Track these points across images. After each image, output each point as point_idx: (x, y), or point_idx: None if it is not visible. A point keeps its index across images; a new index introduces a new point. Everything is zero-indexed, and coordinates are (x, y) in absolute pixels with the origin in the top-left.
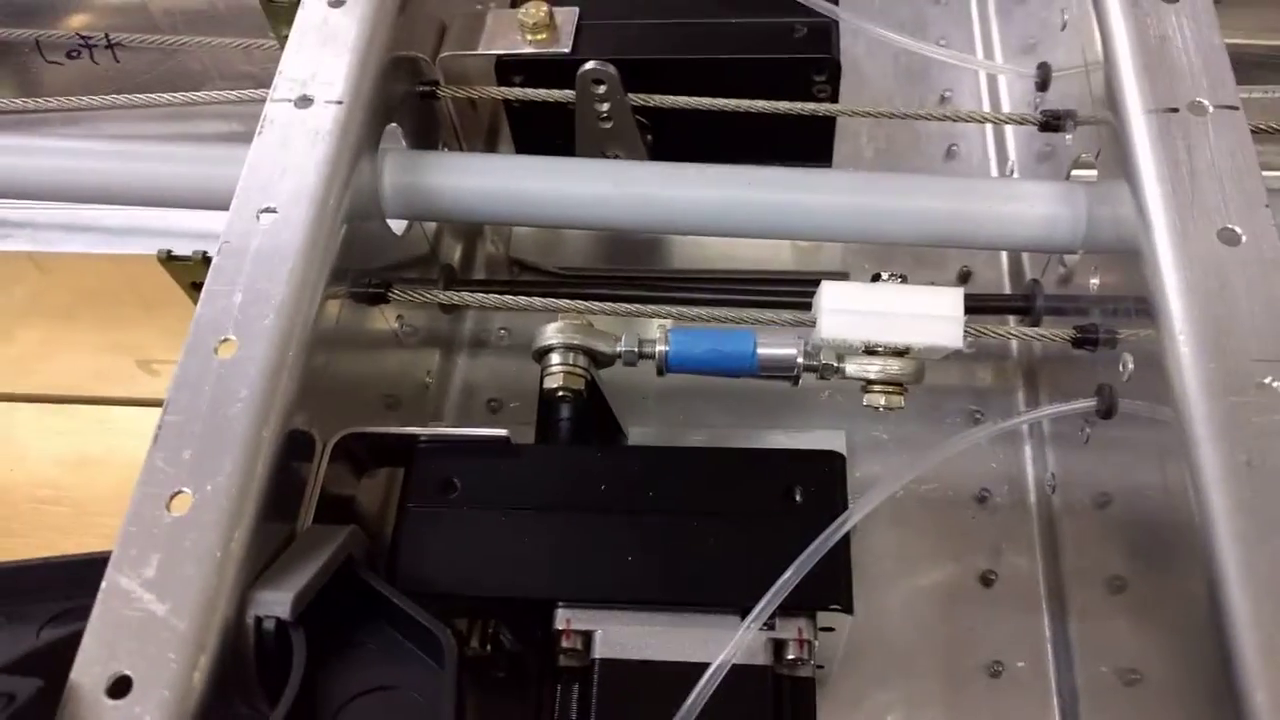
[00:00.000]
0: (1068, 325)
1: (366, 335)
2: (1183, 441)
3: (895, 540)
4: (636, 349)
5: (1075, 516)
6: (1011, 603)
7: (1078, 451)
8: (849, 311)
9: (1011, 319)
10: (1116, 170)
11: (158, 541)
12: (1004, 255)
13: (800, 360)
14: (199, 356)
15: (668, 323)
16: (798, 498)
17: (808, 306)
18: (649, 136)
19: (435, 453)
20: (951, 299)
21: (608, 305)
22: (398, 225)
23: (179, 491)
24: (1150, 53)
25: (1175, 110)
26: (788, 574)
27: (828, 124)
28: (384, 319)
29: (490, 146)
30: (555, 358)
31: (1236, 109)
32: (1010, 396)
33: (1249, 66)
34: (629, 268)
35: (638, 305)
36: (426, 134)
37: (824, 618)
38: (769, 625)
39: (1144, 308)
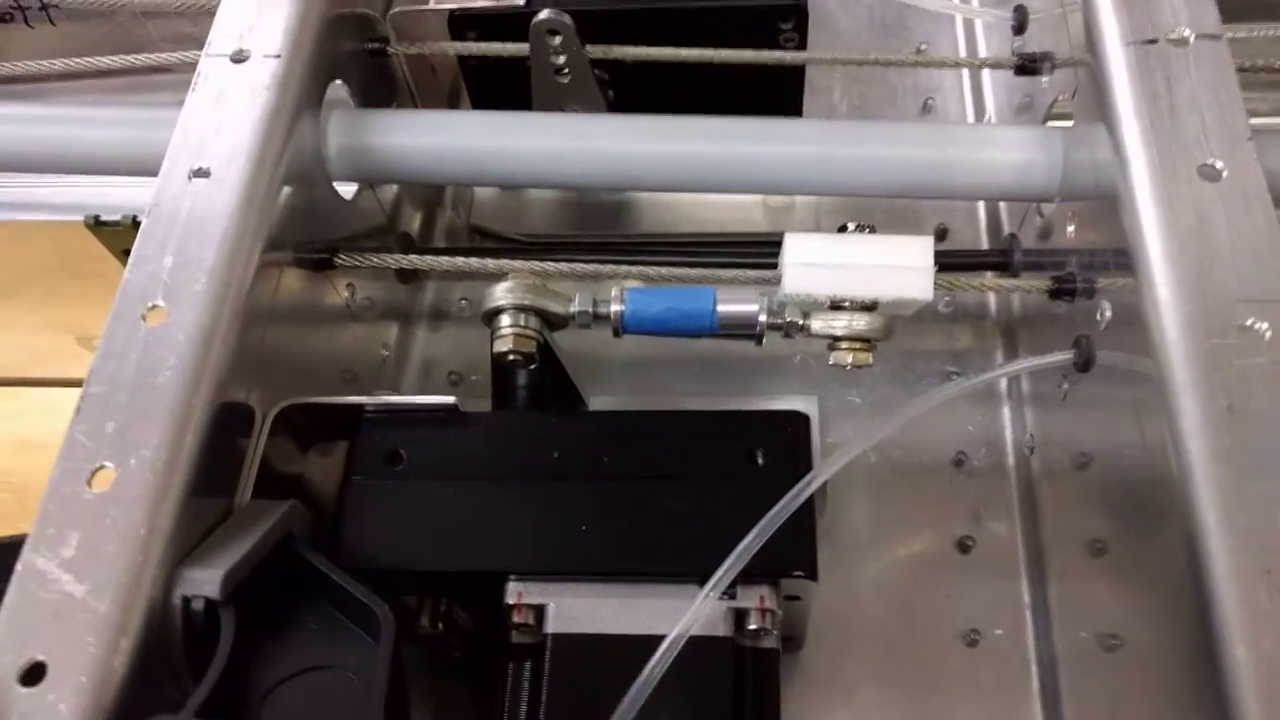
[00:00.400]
0: (1046, 279)
1: (314, 306)
2: (1162, 391)
3: (869, 507)
4: (591, 309)
5: (1055, 479)
6: (989, 569)
7: (1057, 412)
8: (813, 265)
9: (989, 275)
10: (1094, 113)
11: (77, 519)
12: (981, 211)
13: (763, 318)
14: (126, 324)
15: (626, 283)
16: (760, 460)
17: (739, 267)
18: (610, 92)
19: (380, 423)
20: (920, 248)
21: (565, 266)
22: (347, 190)
23: (101, 467)
24: None
25: (1154, 42)
26: (748, 539)
27: (796, 75)
28: (334, 290)
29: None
30: (505, 319)
31: (1219, 38)
32: (988, 357)
33: (1237, 8)
34: (594, 232)
35: (596, 266)
36: (380, 95)
37: (789, 586)
38: (729, 594)
39: (1123, 259)
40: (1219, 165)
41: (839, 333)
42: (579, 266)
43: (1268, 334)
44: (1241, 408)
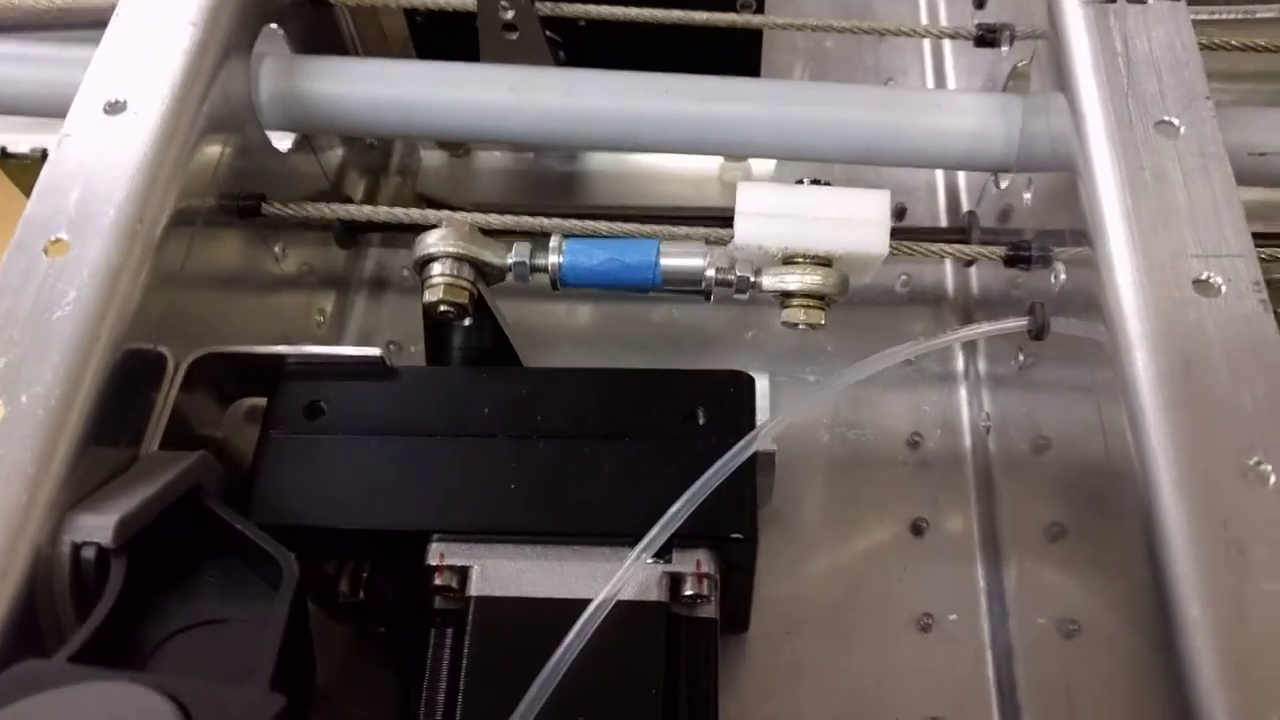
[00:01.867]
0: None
1: (243, 266)
2: (1115, 350)
3: (821, 489)
4: (528, 259)
5: (1012, 462)
6: (944, 552)
7: (1014, 393)
8: (766, 215)
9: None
10: (1052, 79)
11: None
12: (940, 189)
13: (711, 273)
14: (26, 256)
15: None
16: (700, 420)
17: (691, 222)
18: (561, 53)
19: (301, 374)
20: (876, 200)
21: (510, 219)
22: (282, 143)
23: None
24: None
25: (1112, 0)
26: (684, 499)
27: (753, 40)
28: (263, 246)
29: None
30: (436, 267)
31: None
32: None
33: None
34: (544, 203)
35: (540, 220)
36: (322, 49)
37: (729, 551)
38: (664, 558)
39: (1080, 234)
40: (1175, 122)
41: (791, 288)
42: (524, 220)
43: (1223, 288)
44: (1199, 363)
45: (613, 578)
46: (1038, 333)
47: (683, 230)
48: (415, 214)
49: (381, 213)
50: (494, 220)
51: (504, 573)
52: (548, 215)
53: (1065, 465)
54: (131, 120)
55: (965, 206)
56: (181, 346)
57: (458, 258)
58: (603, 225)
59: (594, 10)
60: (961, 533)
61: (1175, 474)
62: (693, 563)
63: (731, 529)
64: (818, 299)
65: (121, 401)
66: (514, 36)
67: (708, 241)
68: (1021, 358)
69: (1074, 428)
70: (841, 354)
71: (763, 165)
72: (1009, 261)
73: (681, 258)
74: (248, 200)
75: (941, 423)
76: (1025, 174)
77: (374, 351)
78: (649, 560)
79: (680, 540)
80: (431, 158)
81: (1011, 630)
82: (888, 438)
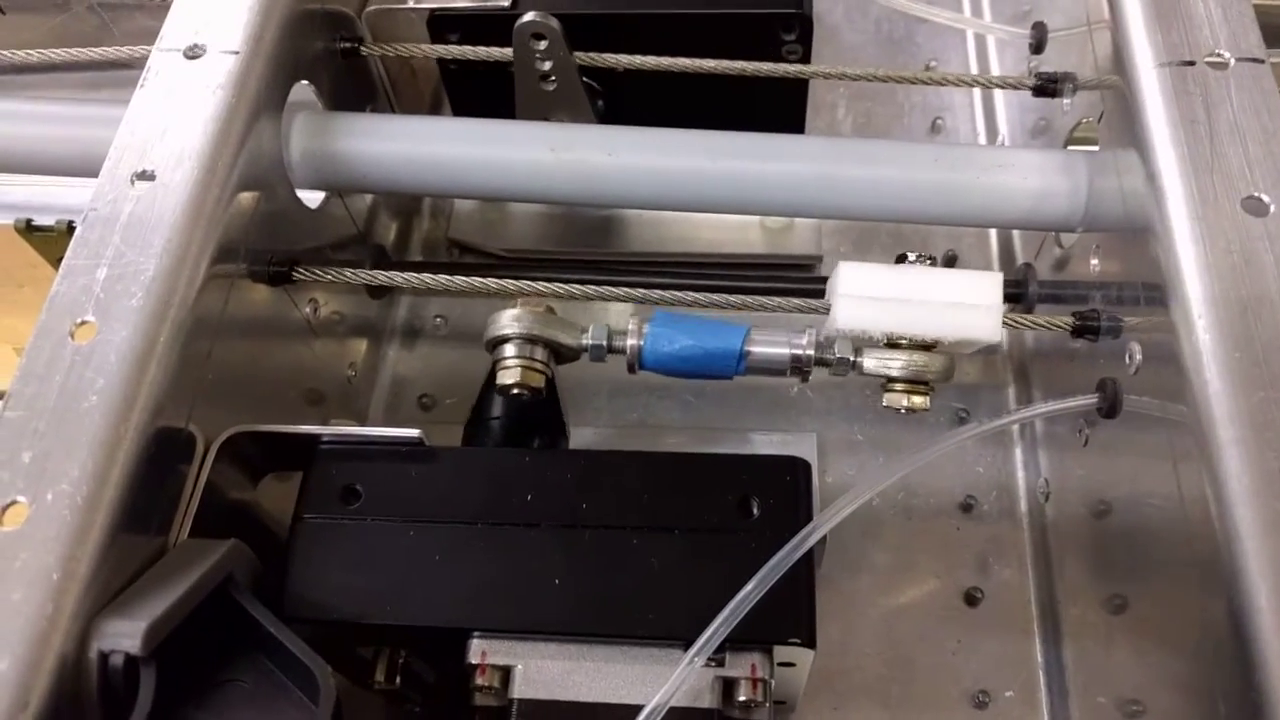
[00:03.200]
0: (1064, 314)
1: (272, 322)
2: (1202, 445)
3: (870, 553)
4: (606, 341)
5: (1071, 527)
6: (999, 624)
7: (1074, 455)
8: (869, 298)
9: None
10: (1123, 137)
11: None
12: (993, 238)
13: (810, 352)
14: (51, 341)
15: (629, 308)
16: (755, 511)
17: (781, 293)
18: (600, 102)
19: (337, 455)
20: (990, 284)
21: (558, 285)
22: (312, 199)
23: (13, 502)
24: (1162, 2)
25: (1191, 64)
26: (738, 599)
27: (799, 90)
28: (294, 305)
29: (423, 115)
30: (511, 349)
31: (1262, 62)
32: (999, 393)
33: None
34: (579, 250)
35: (594, 287)
36: (353, 100)
37: (782, 652)
38: (717, 661)
39: (1155, 293)
40: (1265, 199)
41: (895, 373)
42: (575, 287)
43: None
44: None
45: (661, 682)
46: (1109, 411)
47: (775, 300)
48: (445, 281)
49: (411, 279)
50: (537, 287)
51: (549, 674)
52: (584, 263)
53: (1128, 532)
54: (160, 191)
55: (1019, 253)
56: (211, 418)
57: (533, 339)
58: (657, 294)
59: (634, 60)
60: (1018, 603)
61: (1270, 557)
62: (747, 666)
63: (789, 633)
64: (924, 383)
65: (151, 486)
66: (551, 86)
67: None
68: (1087, 431)
69: (1138, 491)
70: (889, 411)
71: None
72: (1077, 333)
73: (769, 346)
74: (279, 266)
75: (996, 485)
76: (1091, 234)
77: (413, 433)
78: (700, 665)
79: (733, 643)
80: (465, 202)
81: (1071, 709)
82: (940, 501)
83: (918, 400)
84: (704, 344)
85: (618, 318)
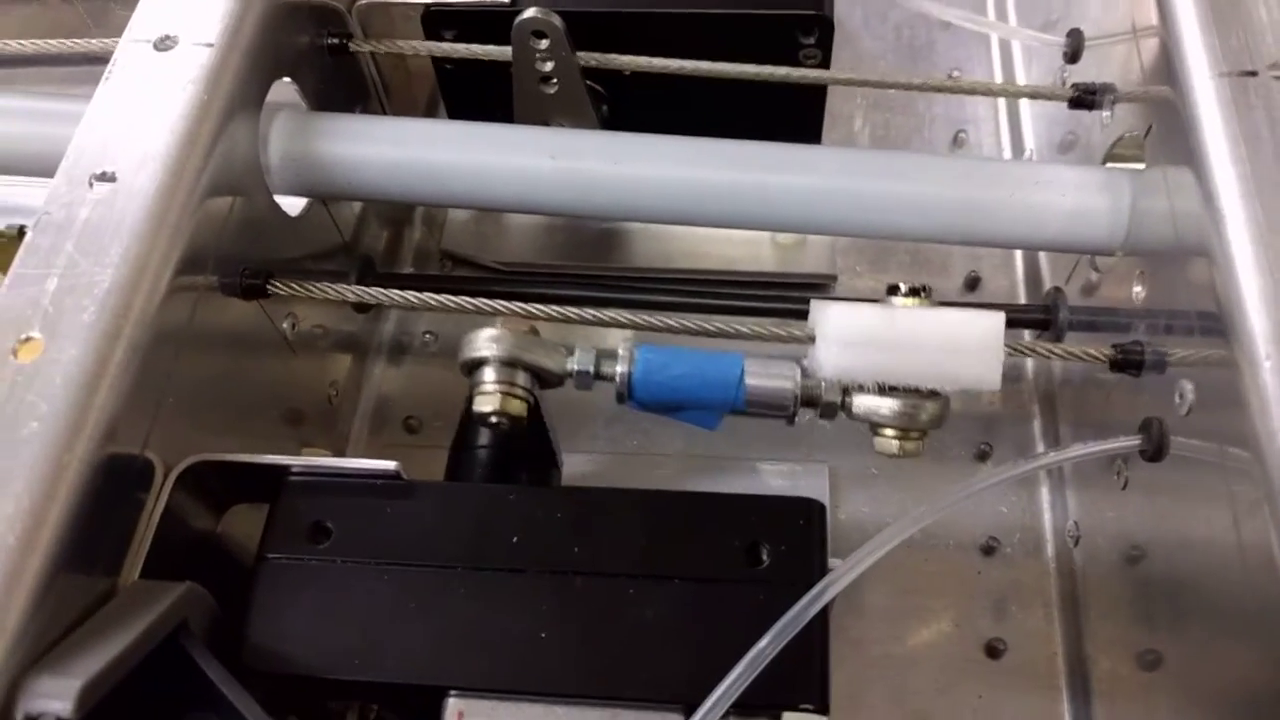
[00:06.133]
0: (1101, 344)
1: (243, 338)
2: (1270, 494)
3: (883, 598)
4: (593, 368)
5: (1102, 574)
6: (1023, 678)
7: (1107, 496)
8: (858, 344)
9: (1027, 334)
10: (1174, 153)
11: None
12: (1019, 259)
13: (796, 393)
14: None
15: (628, 334)
16: (765, 558)
17: (795, 315)
18: (604, 107)
19: (306, 488)
20: (989, 325)
21: (552, 307)
22: (293, 206)
23: None
24: (1220, 7)
25: (1253, 74)
26: (749, 658)
27: (817, 97)
28: (268, 318)
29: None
30: (489, 374)
31: None
32: (1024, 426)
33: None
34: (579, 264)
35: (591, 310)
36: (340, 100)
37: (790, 718)
38: None
39: (1212, 324)
40: None
41: (886, 421)
42: (570, 309)
43: None
44: None
45: None
46: (1154, 454)
47: (753, 322)
48: (449, 301)
49: (396, 295)
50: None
51: None
52: (584, 278)
53: (1165, 581)
54: (121, 195)
55: (1047, 276)
56: (173, 446)
57: (513, 363)
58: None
59: (641, 62)
60: (1043, 656)
61: None
62: None
63: (800, 698)
64: (917, 431)
65: (98, 522)
66: (553, 89)
67: (769, 323)
68: (1125, 474)
69: (1180, 537)
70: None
71: None
72: (1116, 366)
73: (770, 379)
74: (252, 279)
75: (1021, 526)
76: (1132, 258)
77: (389, 465)
78: None
79: (738, 708)
80: (459, 212)
81: None
82: (960, 542)
83: (910, 446)
84: (701, 370)
85: (617, 339)
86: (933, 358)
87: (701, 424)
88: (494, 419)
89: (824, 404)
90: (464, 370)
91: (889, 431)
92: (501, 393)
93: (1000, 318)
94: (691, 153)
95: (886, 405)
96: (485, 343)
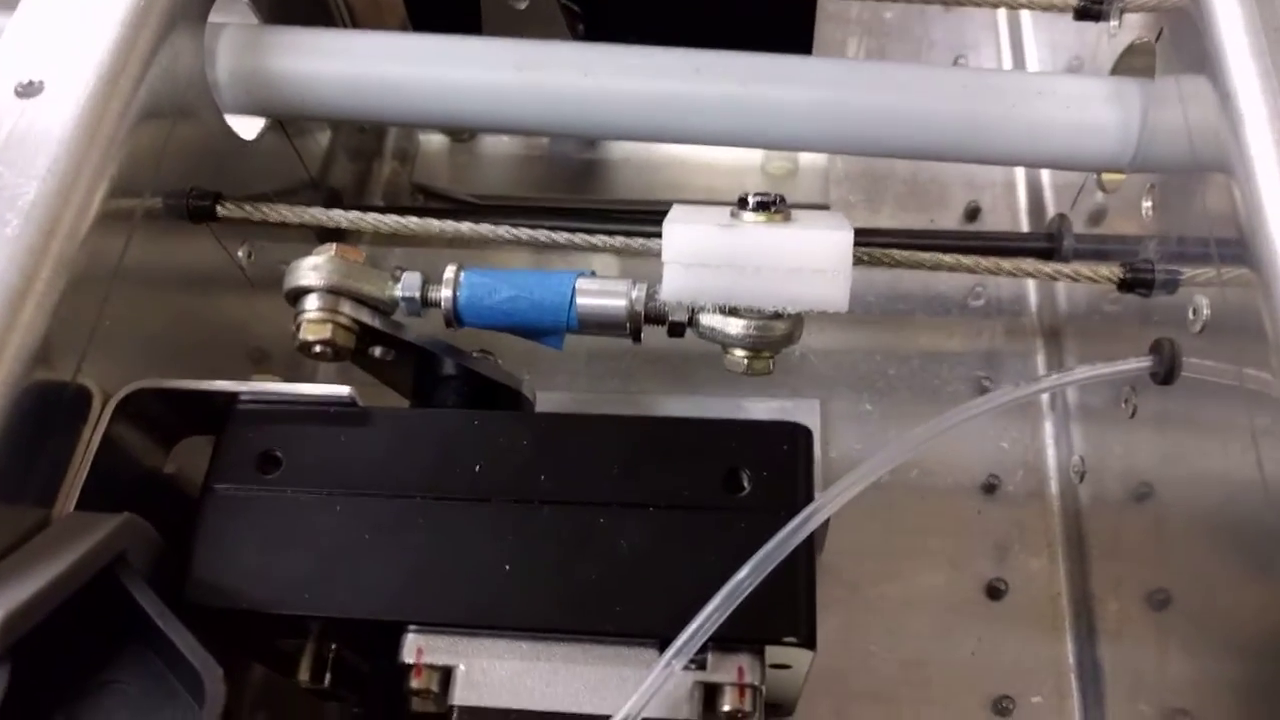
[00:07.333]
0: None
1: (193, 267)
2: None
3: (879, 537)
4: (419, 294)
5: (1109, 511)
6: (1026, 620)
7: (1114, 429)
8: (700, 265)
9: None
10: (1188, 60)
11: None
12: (1021, 189)
13: (636, 309)
14: None
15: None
16: (745, 485)
17: None
18: (580, 26)
19: (255, 416)
20: (835, 243)
21: (522, 230)
22: (248, 129)
23: None
24: None
25: None
26: (726, 590)
27: (806, 7)
28: (221, 248)
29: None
30: (312, 302)
31: None
32: (1027, 360)
33: None
34: (558, 197)
35: (568, 235)
36: (299, 17)
37: (775, 653)
38: (698, 663)
39: (1230, 246)
40: None
41: (733, 342)
42: (542, 233)
43: None
44: None
45: (631, 688)
46: (1166, 375)
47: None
48: (413, 222)
49: (358, 219)
50: (502, 233)
51: (495, 677)
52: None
53: (1176, 517)
54: (48, 106)
55: (1051, 204)
56: (116, 377)
57: (335, 291)
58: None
59: None
60: (1046, 597)
61: None
62: (733, 670)
63: (784, 631)
64: (766, 350)
65: (26, 448)
66: (523, 3)
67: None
68: (1134, 401)
69: (1192, 471)
70: (904, 378)
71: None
72: (1125, 286)
73: (603, 297)
74: (199, 200)
75: (1023, 463)
76: (1143, 175)
77: (343, 390)
78: (679, 668)
79: (718, 642)
80: (431, 142)
81: (1107, 717)
82: (959, 480)
83: (759, 365)
84: (530, 294)
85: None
86: (774, 279)
87: (549, 344)
88: (316, 348)
89: (670, 323)
90: (289, 300)
91: (738, 351)
92: (324, 320)
93: (848, 234)
94: (670, 63)
95: (733, 325)
96: (307, 270)
